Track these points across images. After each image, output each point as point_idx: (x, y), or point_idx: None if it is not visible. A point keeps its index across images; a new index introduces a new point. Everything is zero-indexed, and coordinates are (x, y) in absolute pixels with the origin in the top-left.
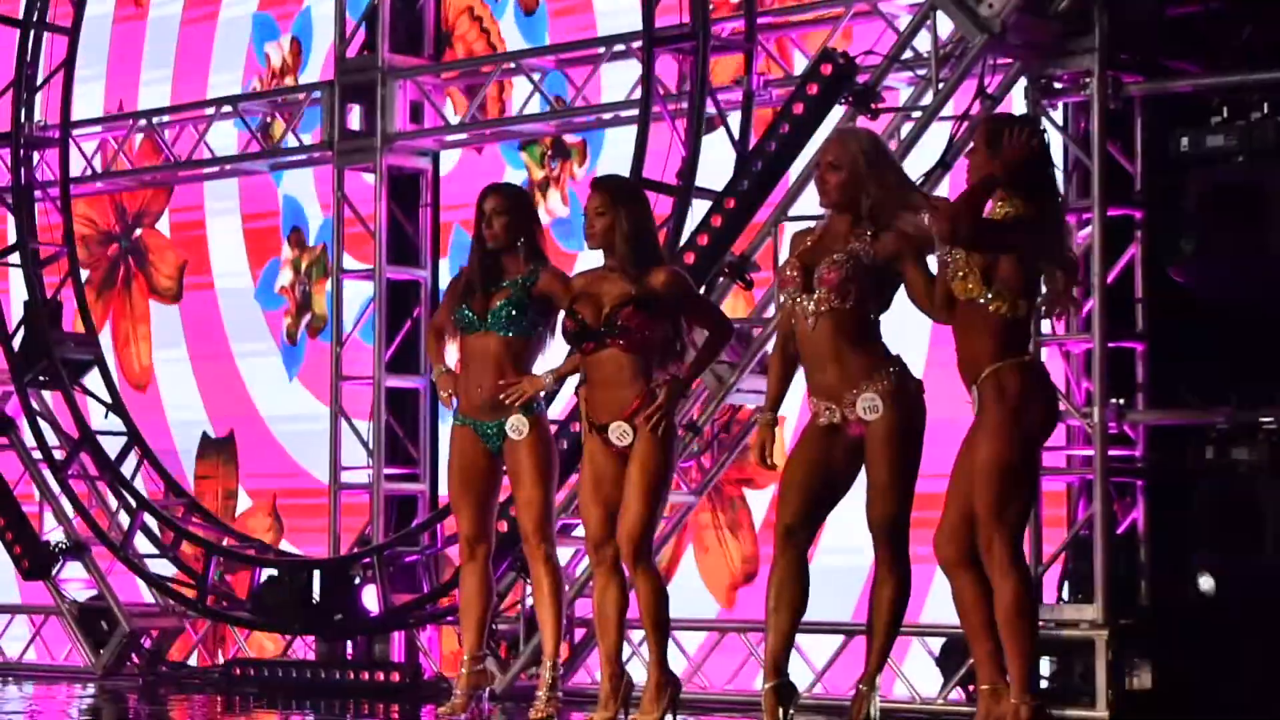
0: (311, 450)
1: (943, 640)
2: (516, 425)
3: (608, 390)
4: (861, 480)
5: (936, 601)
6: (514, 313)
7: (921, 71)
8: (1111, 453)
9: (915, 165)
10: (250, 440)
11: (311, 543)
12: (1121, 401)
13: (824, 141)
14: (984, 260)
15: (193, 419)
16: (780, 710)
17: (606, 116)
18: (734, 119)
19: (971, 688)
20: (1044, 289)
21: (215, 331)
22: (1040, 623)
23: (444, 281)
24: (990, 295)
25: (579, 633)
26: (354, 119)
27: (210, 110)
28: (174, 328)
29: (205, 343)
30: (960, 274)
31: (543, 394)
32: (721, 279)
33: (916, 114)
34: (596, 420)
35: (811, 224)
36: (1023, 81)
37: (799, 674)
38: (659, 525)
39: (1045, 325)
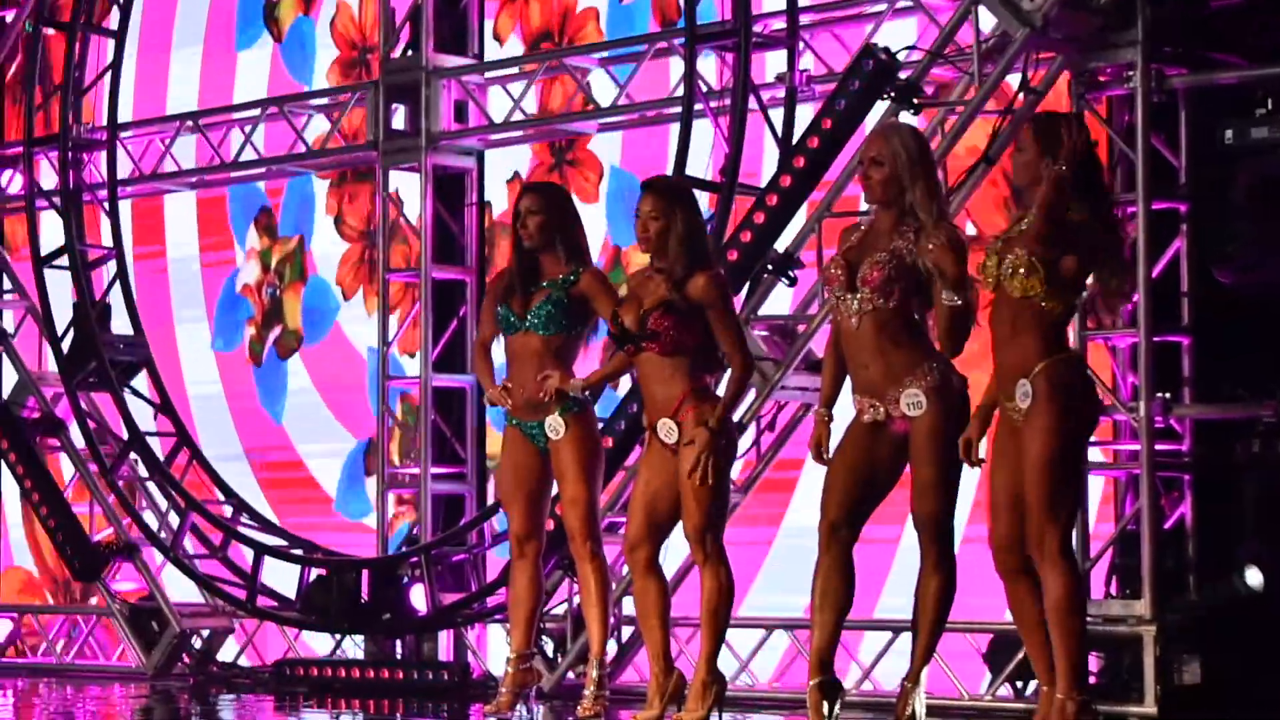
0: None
1: (990, 637)
2: (554, 425)
3: (652, 390)
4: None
5: (983, 598)
6: (553, 312)
7: (964, 66)
8: (1158, 447)
9: (958, 161)
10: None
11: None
12: (1168, 396)
13: (867, 137)
14: (1048, 259)
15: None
16: (825, 707)
17: (650, 114)
18: (777, 115)
19: (1020, 684)
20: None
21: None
22: (1088, 618)
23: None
24: (1046, 293)
25: (626, 631)
26: (398, 119)
27: (256, 111)
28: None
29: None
30: (1021, 270)
31: (586, 393)
32: (766, 275)
33: (959, 109)
34: (650, 419)
35: (860, 220)
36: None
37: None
38: (725, 520)
39: (1091, 320)
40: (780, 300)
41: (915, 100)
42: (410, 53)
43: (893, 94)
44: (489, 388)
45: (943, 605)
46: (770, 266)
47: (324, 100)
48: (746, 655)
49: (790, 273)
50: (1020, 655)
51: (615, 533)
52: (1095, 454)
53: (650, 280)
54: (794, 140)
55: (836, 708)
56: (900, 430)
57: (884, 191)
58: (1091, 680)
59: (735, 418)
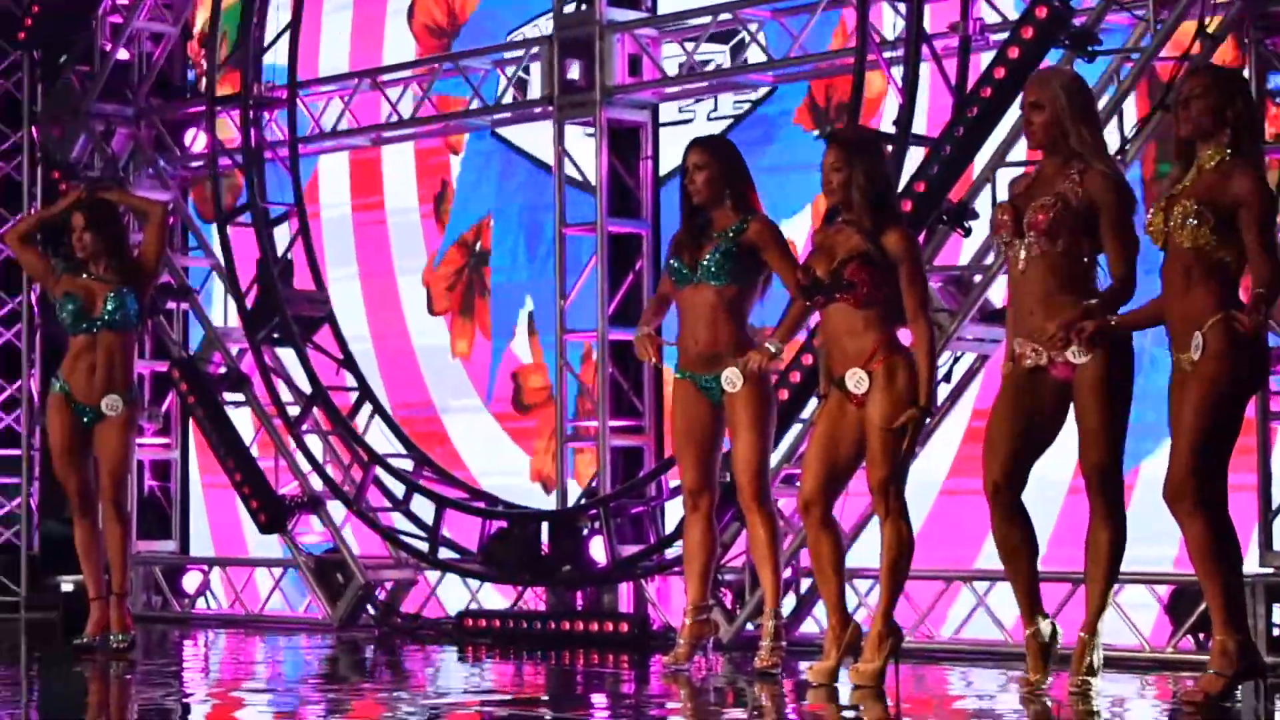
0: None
1: (1172, 588)
2: (731, 378)
3: (842, 342)
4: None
5: (1167, 549)
6: (723, 262)
7: (1139, 12)
8: None
9: (1133, 108)
10: (394, 359)
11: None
12: None
13: (1027, 83)
14: (1223, 211)
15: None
16: (1041, 656)
17: (823, 66)
18: (950, 65)
19: (1202, 636)
20: None
21: (382, 251)
22: (1273, 570)
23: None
24: (1218, 242)
25: (805, 583)
26: (573, 73)
27: (433, 67)
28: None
29: (373, 262)
30: (1192, 220)
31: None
32: (940, 226)
33: (1135, 56)
34: (835, 372)
35: (1029, 168)
36: None
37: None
38: (907, 474)
39: None
40: (955, 251)
41: (1090, 47)
42: (584, 7)
43: (1067, 41)
44: (642, 329)
45: (1113, 556)
46: (945, 217)
47: (499, 55)
48: (925, 607)
49: (965, 223)
50: (1202, 607)
51: (792, 485)
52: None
53: (840, 232)
54: (967, 90)
55: (1050, 656)
56: (1061, 376)
57: (1045, 135)
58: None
59: None
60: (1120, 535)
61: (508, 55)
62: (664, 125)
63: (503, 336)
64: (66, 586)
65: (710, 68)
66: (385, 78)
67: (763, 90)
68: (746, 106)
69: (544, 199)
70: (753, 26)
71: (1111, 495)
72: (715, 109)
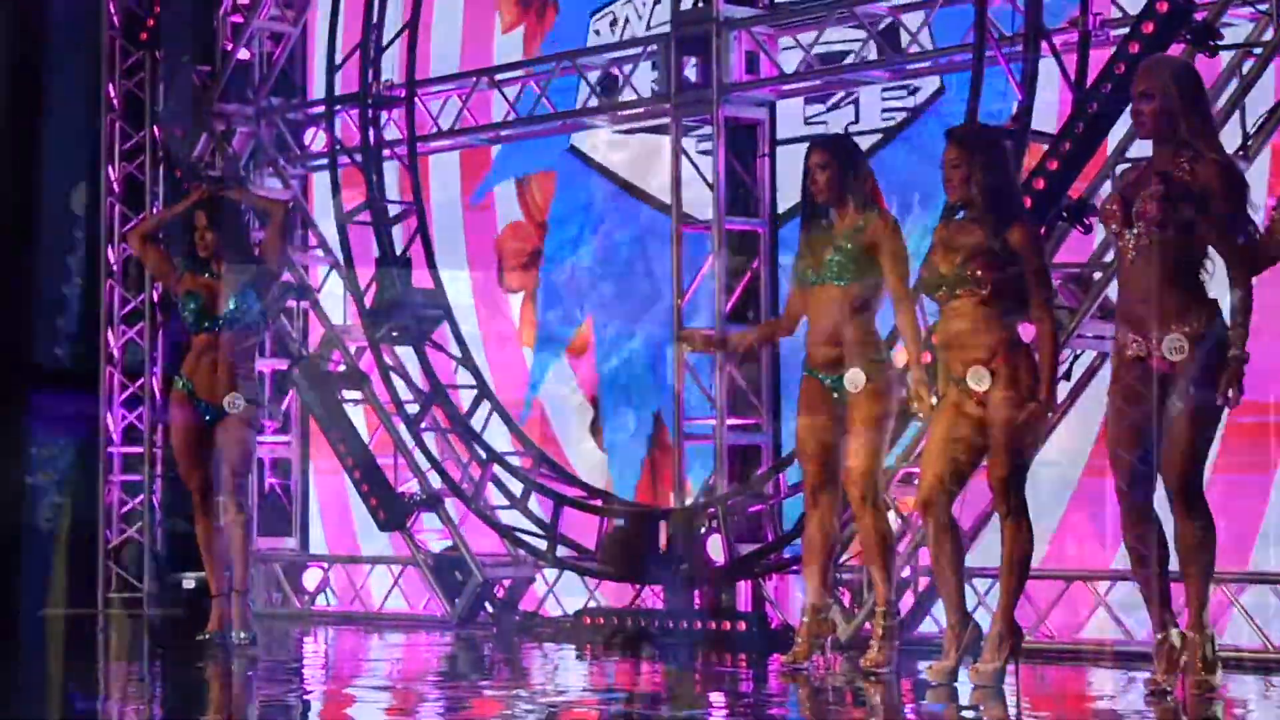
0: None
1: None
2: (854, 379)
3: (963, 338)
4: None
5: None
6: (844, 262)
7: (1262, 6)
8: None
9: (1255, 104)
10: (501, 358)
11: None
12: None
13: (1136, 72)
14: None
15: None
16: (1170, 660)
17: (941, 61)
18: (1070, 60)
19: None
20: None
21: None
22: None
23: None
24: None
25: (924, 581)
26: (690, 71)
27: (550, 65)
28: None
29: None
30: None
31: (886, 352)
32: (1060, 223)
33: (1257, 51)
34: (955, 370)
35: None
36: None
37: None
38: (1027, 473)
39: None
40: (1078, 248)
41: (1211, 42)
42: (701, 4)
43: (1188, 36)
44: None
45: (1202, 552)
46: (1065, 214)
47: (615, 54)
48: (1045, 607)
49: (1085, 220)
50: None
51: (911, 484)
52: None
53: (963, 229)
54: (1087, 85)
55: (1181, 659)
56: (1161, 369)
57: (1155, 124)
58: None
59: None
60: (1203, 530)
61: (625, 54)
62: (785, 143)
63: (558, 343)
64: (188, 583)
65: (849, 59)
66: (501, 76)
67: (923, 98)
68: (902, 116)
69: (609, 205)
70: (871, 23)
71: (1192, 495)
72: (856, 120)
